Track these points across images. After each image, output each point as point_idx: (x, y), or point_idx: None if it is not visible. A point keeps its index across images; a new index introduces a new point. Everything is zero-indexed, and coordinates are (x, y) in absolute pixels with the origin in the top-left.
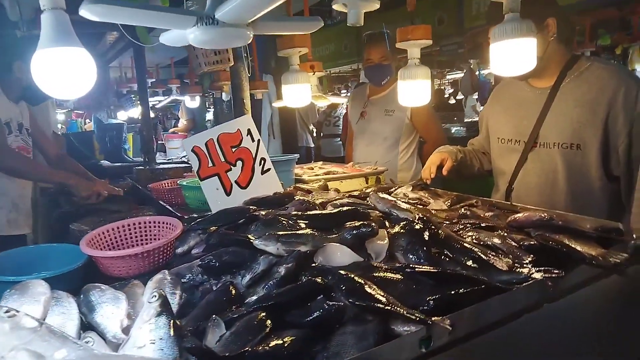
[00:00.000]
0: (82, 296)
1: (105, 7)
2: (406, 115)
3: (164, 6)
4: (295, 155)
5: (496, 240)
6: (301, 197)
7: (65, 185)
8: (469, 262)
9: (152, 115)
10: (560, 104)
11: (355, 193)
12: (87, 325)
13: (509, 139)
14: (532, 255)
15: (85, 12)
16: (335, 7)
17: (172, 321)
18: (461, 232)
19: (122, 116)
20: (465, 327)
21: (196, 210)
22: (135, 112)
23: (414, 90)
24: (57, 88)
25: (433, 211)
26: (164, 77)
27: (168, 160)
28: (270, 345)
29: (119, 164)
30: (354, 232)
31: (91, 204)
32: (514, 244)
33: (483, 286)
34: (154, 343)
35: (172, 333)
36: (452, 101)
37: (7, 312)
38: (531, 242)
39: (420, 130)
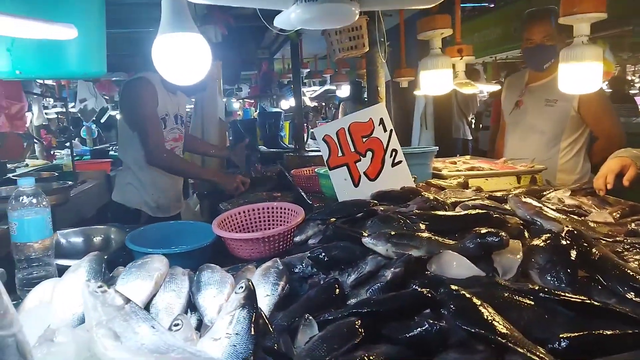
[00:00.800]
0: (196, 274)
1: None
2: (572, 105)
3: None
4: (434, 147)
5: None
6: (427, 194)
7: (211, 182)
8: (629, 295)
9: (309, 104)
10: None
11: (499, 194)
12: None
13: None
14: None
15: None
16: None
17: (253, 316)
18: (625, 254)
19: (284, 105)
20: None
21: (330, 199)
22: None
23: (578, 74)
24: (174, 72)
25: (592, 224)
26: (322, 67)
27: (319, 148)
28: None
29: (274, 149)
30: (478, 240)
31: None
32: None
33: None
34: (229, 337)
35: (250, 329)
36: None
37: (100, 287)
38: None
39: (591, 124)
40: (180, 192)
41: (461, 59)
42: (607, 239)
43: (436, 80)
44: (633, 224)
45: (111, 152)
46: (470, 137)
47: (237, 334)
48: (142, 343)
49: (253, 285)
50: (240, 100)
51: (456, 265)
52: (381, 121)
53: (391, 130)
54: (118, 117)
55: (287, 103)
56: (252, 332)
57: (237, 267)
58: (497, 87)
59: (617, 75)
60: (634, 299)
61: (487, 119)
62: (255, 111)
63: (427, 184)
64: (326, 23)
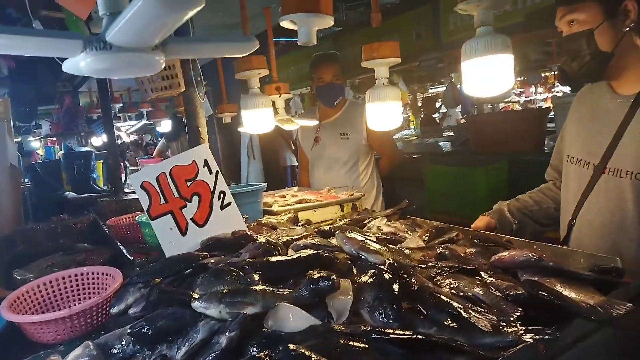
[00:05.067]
0: None
1: None
2: (363, 136)
3: (44, 30)
4: (263, 184)
5: (478, 290)
6: (259, 240)
7: None
8: (447, 322)
9: (126, 139)
10: None
11: (326, 227)
12: None
13: (578, 158)
14: (520, 309)
15: None
16: (283, 24)
17: None
18: (438, 278)
19: (96, 142)
20: None
21: (156, 248)
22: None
23: (384, 112)
24: None
25: (407, 251)
26: (137, 100)
27: None
28: None
29: (85, 195)
30: (311, 286)
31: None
32: (498, 294)
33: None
34: None
35: None
36: (435, 115)
37: None
38: (518, 292)
39: (377, 150)
40: None
41: (280, 96)
42: (422, 266)
43: (258, 119)
44: (440, 248)
45: None
46: (297, 164)
47: None
48: None
49: None
50: (41, 139)
51: (292, 319)
52: (205, 163)
53: (217, 172)
54: None
55: (99, 140)
56: None
57: (39, 357)
58: (315, 122)
59: (430, 97)
60: (450, 325)
61: None
62: (60, 150)
63: (258, 224)
64: (125, 73)
